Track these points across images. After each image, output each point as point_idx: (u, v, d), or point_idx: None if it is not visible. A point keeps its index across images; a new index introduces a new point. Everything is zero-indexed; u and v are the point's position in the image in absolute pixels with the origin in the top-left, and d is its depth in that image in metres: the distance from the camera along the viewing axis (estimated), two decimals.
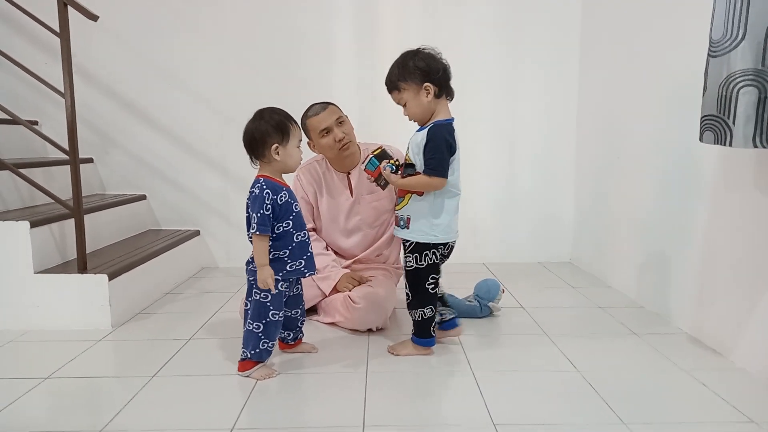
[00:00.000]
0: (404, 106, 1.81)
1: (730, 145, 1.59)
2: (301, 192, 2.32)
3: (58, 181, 2.72)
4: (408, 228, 1.82)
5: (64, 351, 1.99)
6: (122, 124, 3.17)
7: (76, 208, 2.24)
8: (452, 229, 1.85)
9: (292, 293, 1.85)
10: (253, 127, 1.71)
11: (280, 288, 1.74)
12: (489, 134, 3.22)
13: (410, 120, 1.86)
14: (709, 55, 1.66)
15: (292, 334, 1.93)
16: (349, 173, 2.32)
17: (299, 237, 1.76)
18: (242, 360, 1.78)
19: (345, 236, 2.37)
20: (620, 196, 2.72)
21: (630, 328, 2.19)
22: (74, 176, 2.23)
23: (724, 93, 1.60)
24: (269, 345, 1.77)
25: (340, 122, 2.19)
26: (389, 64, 1.82)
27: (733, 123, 1.57)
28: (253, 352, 1.76)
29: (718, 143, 1.64)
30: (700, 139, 1.71)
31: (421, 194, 1.80)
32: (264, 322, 1.74)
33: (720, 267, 1.95)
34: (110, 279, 2.22)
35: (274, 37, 3.11)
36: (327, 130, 2.16)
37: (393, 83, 1.80)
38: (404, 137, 1.92)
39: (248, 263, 1.76)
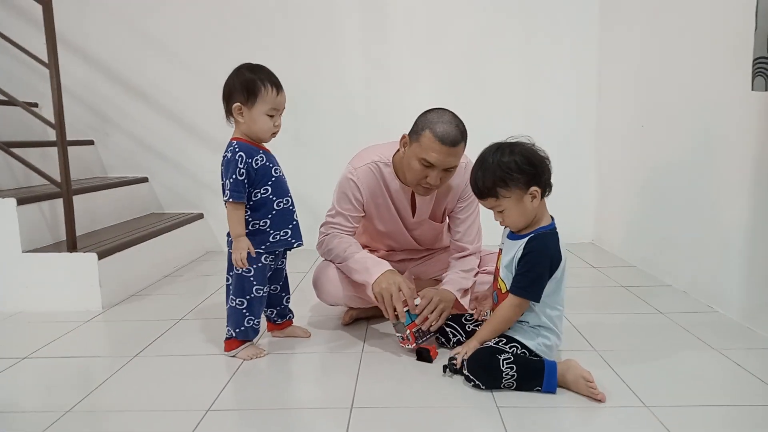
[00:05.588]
0: (500, 212, 1.43)
1: None
2: (357, 193, 1.81)
3: (56, 162, 2.63)
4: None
5: (48, 331, 1.90)
6: (123, 105, 3.08)
7: (65, 186, 2.15)
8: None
9: (277, 266, 1.70)
10: (227, 80, 1.60)
11: (264, 261, 1.61)
12: (505, 108, 3.03)
13: (504, 227, 1.51)
14: None
15: (276, 311, 1.78)
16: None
17: (280, 204, 1.61)
18: (227, 339, 1.66)
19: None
20: (646, 169, 2.51)
21: (655, 307, 2.00)
22: (62, 152, 2.14)
23: None
24: (255, 323, 1.64)
25: (449, 170, 1.67)
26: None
27: None
28: (237, 330, 1.63)
29: None
30: (752, 87, 1.48)
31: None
32: (247, 297, 1.60)
33: (760, 247, 1.75)
34: (100, 258, 2.12)
35: (277, 12, 2.99)
36: (430, 165, 1.64)
37: (489, 190, 1.39)
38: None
39: (229, 234, 1.62)
